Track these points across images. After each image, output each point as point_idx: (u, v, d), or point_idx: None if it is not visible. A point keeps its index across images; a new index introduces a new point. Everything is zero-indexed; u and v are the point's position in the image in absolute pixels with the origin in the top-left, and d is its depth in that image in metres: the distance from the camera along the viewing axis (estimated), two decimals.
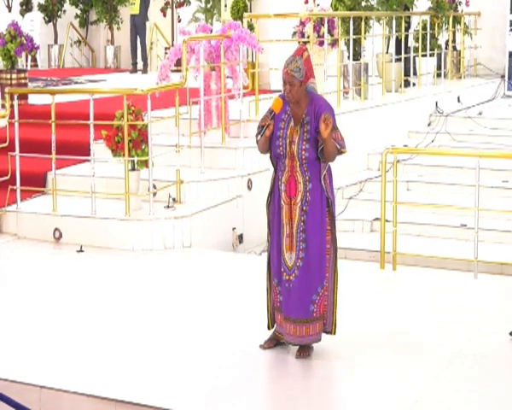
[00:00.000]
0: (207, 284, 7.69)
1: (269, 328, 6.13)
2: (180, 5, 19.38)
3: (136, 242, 8.65)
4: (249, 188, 9.81)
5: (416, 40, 15.42)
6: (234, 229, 9.48)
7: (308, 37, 12.54)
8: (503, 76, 16.52)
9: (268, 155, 5.97)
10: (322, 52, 12.54)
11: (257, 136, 5.83)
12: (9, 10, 19.88)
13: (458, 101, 15.04)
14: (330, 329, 5.96)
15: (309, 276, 5.77)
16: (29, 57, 16.14)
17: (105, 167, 9.53)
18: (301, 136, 5.71)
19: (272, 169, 5.97)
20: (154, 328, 6.60)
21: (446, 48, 16.37)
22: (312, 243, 5.75)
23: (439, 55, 16.10)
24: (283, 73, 5.74)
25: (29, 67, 16.05)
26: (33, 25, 19.23)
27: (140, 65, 18.46)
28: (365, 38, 13.39)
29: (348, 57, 13.40)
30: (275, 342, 6.09)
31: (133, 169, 8.86)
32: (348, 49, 13.26)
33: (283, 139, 5.74)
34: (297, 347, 6.00)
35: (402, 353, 6.06)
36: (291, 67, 5.70)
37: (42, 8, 20.10)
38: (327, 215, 5.80)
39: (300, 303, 5.81)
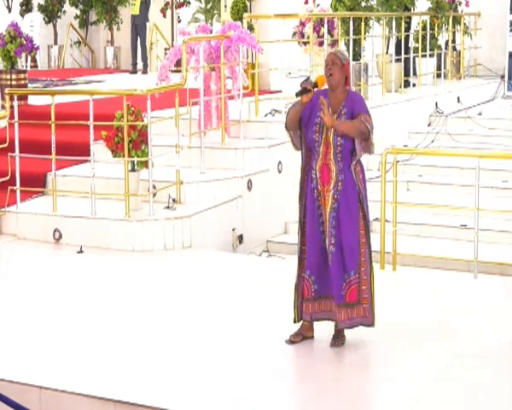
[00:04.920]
0: (208, 285, 7.69)
1: (295, 322, 6.16)
2: (180, 6, 19.38)
3: (137, 242, 8.65)
4: (249, 188, 9.81)
5: (416, 40, 15.42)
6: (234, 229, 9.48)
7: (308, 37, 12.55)
8: (503, 76, 16.50)
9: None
10: (322, 52, 12.55)
11: (297, 93, 5.83)
12: (9, 11, 19.88)
13: (458, 101, 15.04)
14: (371, 322, 6.07)
15: (340, 262, 5.90)
16: (29, 58, 16.14)
17: (105, 168, 9.53)
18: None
19: (298, 163, 6.08)
20: (154, 328, 6.60)
21: (446, 48, 16.37)
22: (343, 231, 5.87)
23: (439, 56, 16.10)
24: (327, 56, 5.91)
25: (29, 68, 16.03)
26: (33, 25, 19.23)
27: (140, 65, 18.46)
28: (365, 39, 13.39)
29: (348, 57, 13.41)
30: (301, 337, 6.16)
31: (133, 170, 8.87)
32: (348, 49, 13.25)
33: (321, 126, 5.85)
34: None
35: (402, 353, 6.06)
36: (336, 50, 6.07)
37: (42, 8, 20.10)
38: (359, 209, 5.91)
39: (335, 289, 5.94)
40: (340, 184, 5.85)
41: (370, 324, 6.06)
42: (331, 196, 5.86)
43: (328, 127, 5.75)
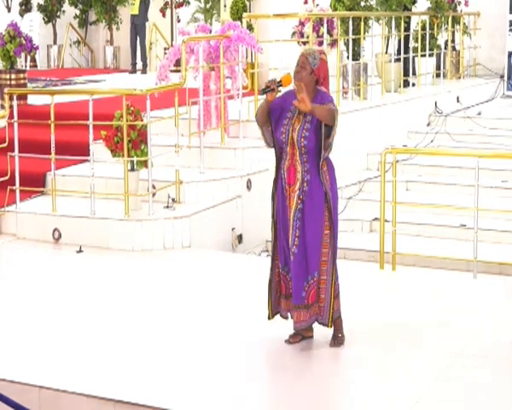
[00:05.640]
0: (207, 285, 7.69)
1: (269, 318, 6.16)
2: (179, 5, 19.37)
3: (136, 242, 8.64)
4: (248, 188, 9.80)
5: (416, 40, 15.42)
6: (233, 229, 9.48)
7: (307, 37, 12.54)
8: (502, 76, 16.50)
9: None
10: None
11: (261, 91, 5.95)
12: (9, 10, 19.87)
13: (458, 101, 15.03)
14: (327, 322, 6.01)
15: (302, 263, 5.90)
16: (28, 57, 16.12)
17: (104, 168, 9.52)
18: (303, 124, 5.85)
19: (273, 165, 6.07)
20: (153, 328, 6.59)
21: (446, 48, 16.36)
22: (307, 232, 5.88)
23: (439, 55, 16.09)
24: (299, 57, 5.94)
25: (28, 68, 16.01)
26: (32, 25, 19.22)
27: (139, 65, 18.45)
28: (364, 38, 13.39)
29: (347, 57, 13.40)
30: (300, 337, 6.17)
31: (132, 169, 8.86)
32: (347, 49, 13.25)
33: (287, 126, 5.90)
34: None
35: (402, 353, 6.06)
36: (308, 51, 5.97)
37: (41, 8, 20.08)
38: (325, 210, 5.89)
39: (295, 289, 5.93)
40: (305, 184, 5.86)
41: (326, 323, 6.02)
42: (296, 197, 5.88)
43: (306, 112, 5.75)
